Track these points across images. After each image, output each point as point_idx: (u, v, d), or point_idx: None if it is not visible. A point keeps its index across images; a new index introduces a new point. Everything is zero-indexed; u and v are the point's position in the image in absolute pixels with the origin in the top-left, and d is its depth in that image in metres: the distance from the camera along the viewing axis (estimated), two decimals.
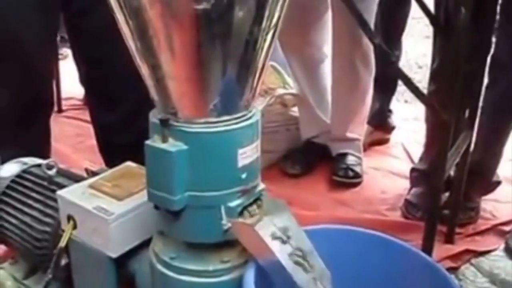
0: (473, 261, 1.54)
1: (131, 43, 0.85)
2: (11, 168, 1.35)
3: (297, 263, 0.87)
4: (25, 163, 1.36)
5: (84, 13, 1.58)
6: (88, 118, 1.94)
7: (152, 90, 0.89)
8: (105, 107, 1.72)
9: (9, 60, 1.52)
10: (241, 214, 0.91)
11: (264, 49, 0.87)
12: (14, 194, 1.30)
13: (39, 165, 1.33)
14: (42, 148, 1.67)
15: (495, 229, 1.68)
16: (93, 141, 1.86)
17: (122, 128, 1.68)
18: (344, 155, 2.08)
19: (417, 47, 3.76)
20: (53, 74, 1.72)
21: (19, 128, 1.62)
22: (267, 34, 0.86)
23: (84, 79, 1.80)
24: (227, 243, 0.94)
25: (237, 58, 0.84)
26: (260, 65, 0.88)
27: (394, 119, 2.43)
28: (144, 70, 0.87)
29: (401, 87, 2.47)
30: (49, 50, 1.66)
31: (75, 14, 1.60)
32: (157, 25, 0.80)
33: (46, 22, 1.54)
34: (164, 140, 0.86)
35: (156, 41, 0.82)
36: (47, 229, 1.21)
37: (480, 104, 1.67)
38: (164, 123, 0.86)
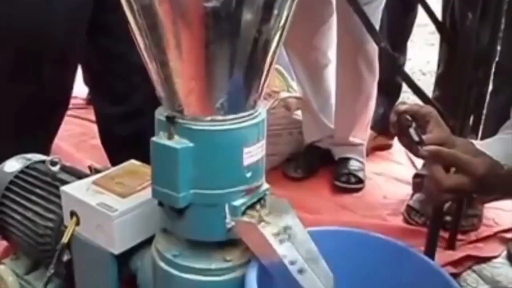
0: (475, 267, 1.54)
1: (140, 40, 0.86)
2: (15, 164, 1.35)
3: (299, 263, 0.87)
4: (28, 159, 1.36)
5: (108, 9, 1.57)
6: (91, 117, 1.94)
7: (159, 87, 0.89)
8: (111, 102, 1.71)
9: (37, 52, 1.50)
10: (244, 213, 0.91)
11: (272, 49, 0.87)
12: (17, 189, 1.30)
13: (43, 161, 1.33)
14: (48, 145, 1.67)
15: (497, 236, 1.68)
16: (97, 141, 1.86)
17: (125, 119, 1.67)
18: (347, 159, 2.08)
19: (421, 54, 3.77)
20: (77, 67, 1.69)
21: (37, 123, 1.61)
22: (275, 33, 0.86)
23: (93, 75, 1.78)
24: (230, 242, 0.94)
25: (244, 57, 0.84)
26: (267, 65, 0.88)
27: None
28: (152, 67, 0.87)
29: (404, 93, 2.47)
30: (77, 41, 1.63)
31: (99, 10, 1.59)
32: (166, 22, 0.80)
33: (75, 14, 1.53)
34: (170, 137, 0.86)
35: (164, 38, 0.82)
36: (50, 224, 1.21)
37: (484, 111, 1.67)
38: (170, 120, 0.86)
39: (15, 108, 1.55)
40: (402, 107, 0.96)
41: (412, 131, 0.92)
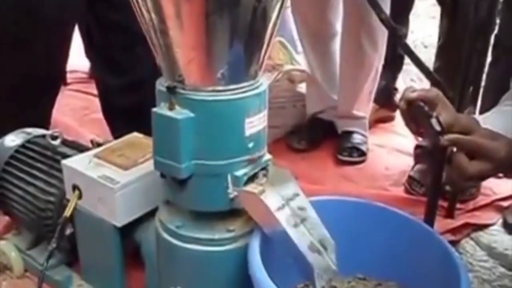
0: (472, 235, 1.56)
1: (140, 9, 0.85)
2: (15, 138, 1.34)
3: (301, 232, 0.87)
4: (29, 133, 1.36)
5: None
6: (93, 91, 1.93)
7: (159, 56, 0.88)
8: (113, 74, 1.70)
9: (29, 28, 1.48)
10: (247, 183, 0.91)
11: (272, 19, 0.87)
12: (18, 164, 1.30)
13: (43, 136, 1.33)
14: (46, 119, 1.66)
15: (494, 204, 1.69)
16: (100, 115, 1.86)
17: (127, 91, 1.66)
18: (350, 133, 2.07)
19: (423, 27, 3.75)
20: (69, 46, 1.68)
21: (28, 100, 1.60)
22: (275, 3, 0.85)
23: (95, 46, 1.76)
24: (233, 212, 0.95)
25: (245, 27, 0.83)
26: (268, 35, 0.88)
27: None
28: (152, 36, 0.86)
29: (407, 66, 2.46)
30: (69, 19, 1.59)
31: None
32: None
33: None
34: (171, 108, 0.86)
35: (164, 7, 0.81)
36: (51, 199, 1.21)
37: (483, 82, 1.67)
38: (171, 90, 0.85)
39: (9, 82, 1.54)
40: (413, 95, 0.96)
41: (434, 121, 0.92)
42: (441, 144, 0.90)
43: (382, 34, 1.94)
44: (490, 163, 0.89)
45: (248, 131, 0.89)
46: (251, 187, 0.90)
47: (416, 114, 0.96)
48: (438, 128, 0.91)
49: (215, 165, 0.89)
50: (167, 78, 0.89)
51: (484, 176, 0.92)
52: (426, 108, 0.94)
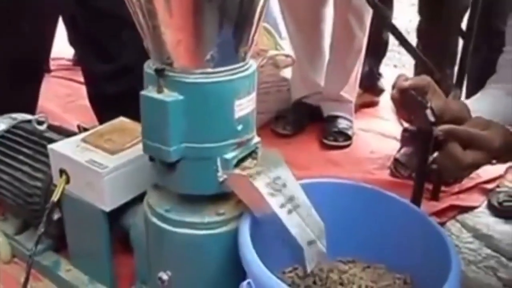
0: (458, 217, 1.58)
1: None
2: (0, 124, 1.33)
3: (291, 214, 0.87)
4: (14, 119, 1.35)
5: None
6: (78, 78, 1.91)
7: (147, 39, 0.88)
8: (100, 60, 1.69)
9: (15, 13, 1.46)
10: (236, 166, 0.91)
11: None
12: (4, 149, 1.29)
13: (29, 121, 1.32)
14: (31, 104, 1.65)
15: (479, 187, 1.71)
16: (84, 101, 1.84)
17: (115, 77, 1.65)
18: (336, 118, 2.07)
19: (404, 14, 3.79)
20: (55, 32, 1.65)
21: (15, 86, 1.58)
22: None
23: (81, 33, 1.74)
24: (222, 196, 0.95)
25: (233, 7, 0.83)
26: (257, 16, 0.87)
27: (383, 83, 2.43)
28: (140, 18, 0.85)
29: (389, 53, 2.46)
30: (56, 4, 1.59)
31: None
32: None
33: None
34: (160, 91, 0.85)
35: None
36: (38, 184, 1.21)
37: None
38: (159, 73, 0.84)
39: None
40: (406, 84, 0.96)
41: (428, 112, 0.92)
42: (436, 135, 0.91)
43: (368, 15, 1.95)
44: (484, 153, 0.90)
45: (237, 114, 0.89)
46: (241, 170, 0.90)
47: (409, 103, 0.96)
48: (432, 118, 0.92)
49: (204, 148, 0.88)
50: (155, 60, 0.89)
51: (479, 165, 0.93)
52: (419, 98, 0.94)
